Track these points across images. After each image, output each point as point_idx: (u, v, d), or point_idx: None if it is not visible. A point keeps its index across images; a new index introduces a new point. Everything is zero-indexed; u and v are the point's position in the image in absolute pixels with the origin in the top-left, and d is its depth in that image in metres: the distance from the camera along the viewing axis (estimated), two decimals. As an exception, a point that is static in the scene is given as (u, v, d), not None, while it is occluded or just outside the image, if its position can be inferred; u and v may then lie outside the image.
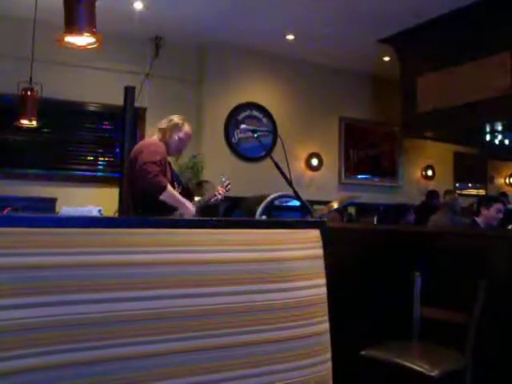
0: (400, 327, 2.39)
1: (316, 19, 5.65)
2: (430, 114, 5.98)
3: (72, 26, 2.34)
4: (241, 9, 5.42)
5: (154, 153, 3.06)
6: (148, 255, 0.85)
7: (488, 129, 6.40)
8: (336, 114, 7.42)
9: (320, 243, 1.06)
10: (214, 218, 0.99)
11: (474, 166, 8.83)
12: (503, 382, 2.30)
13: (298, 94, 7.05)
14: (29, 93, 4.36)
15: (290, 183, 2.64)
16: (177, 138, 3.28)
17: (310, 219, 2.08)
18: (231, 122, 6.57)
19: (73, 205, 2.86)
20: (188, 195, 3.39)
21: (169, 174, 3.22)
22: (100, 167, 6.19)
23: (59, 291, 0.76)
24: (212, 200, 3.38)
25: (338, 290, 1.39)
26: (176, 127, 3.28)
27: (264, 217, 3.21)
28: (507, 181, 9.56)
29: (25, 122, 4.49)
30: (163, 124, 3.30)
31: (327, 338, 1.02)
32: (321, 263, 1.05)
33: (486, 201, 4.60)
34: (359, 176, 7.67)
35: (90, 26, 2.37)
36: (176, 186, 3.26)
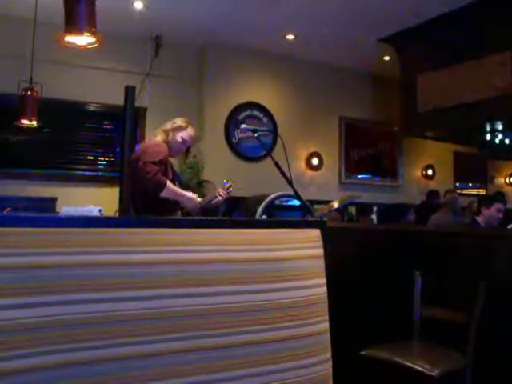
0: (400, 327, 2.39)
1: (316, 19, 5.65)
2: (430, 114, 5.98)
3: (72, 25, 2.34)
4: (241, 8, 5.42)
5: (155, 153, 3.07)
6: (148, 255, 0.85)
7: (488, 128, 6.40)
8: (336, 114, 7.42)
9: (320, 243, 1.06)
10: (214, 218, 1.00)
11: (474, 165, 8.83)
12: (503, 381, 2.30)
13: (298, 94, 7.05)
14: (29, 93, 4.36)
15: (290, 183, 2.64)
16: (180, 139, 3.30)
17: (310, 219, 2.08)
18: (231, 121, 6.57)
19: (73, 205, 2.86)
20: None
21: (170, 174, 3.23)
22: (100, 167, 6.19)
23: (59, 291, 0.76)
24: (213, 202, 3.38)
25: (338, 290, 1.39)
26: (179, 128, 3.31)
27: (264, 216, 3.21)
28: (507, 180, 9.56)
29: (25, 121, 4.49)
30: (167, 125, 3.33)
31: (327, 337, 1.02)
32: (321, 263, 1.05)
33: (486, 200, 4.61)
34: (359, 176, 7.67)
35: (90, 25, 2.37)
36: (177, 186, 3.27)
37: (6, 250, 0.75)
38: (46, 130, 5.70)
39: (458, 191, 7.89)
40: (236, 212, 5.18)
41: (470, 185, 9.02)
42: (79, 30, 2.37)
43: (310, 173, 7.19)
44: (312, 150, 7.19)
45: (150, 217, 1.28)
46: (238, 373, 0.88)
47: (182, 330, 0.85)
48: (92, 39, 2.47)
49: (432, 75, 5.97)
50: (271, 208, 3.29)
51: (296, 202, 3.48)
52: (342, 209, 5.74)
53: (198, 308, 0.87)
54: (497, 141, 6.73)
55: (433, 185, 7.95)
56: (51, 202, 5.06)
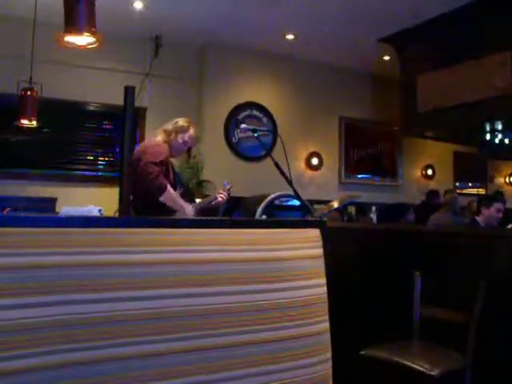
0: (400, 327, 2.39)
1: (316, 19, 5.65)
2: (430, 114, 5.98)
3: (72, 25, 2.34)
4: (241, 8, 5.42)
5: (157, 153, 3.06)
6: (148, 255, 0.85)
7: (488, 128, 6.40)
8: (336, 114, 7.43)
9: (320, 243, 1.06)
10: (214, 218, 1.00)
11: (474, 165, 8.83)
12: (503, 381, 2.30)
13: (298, 94, 7.05)
14: (29, 93, 4.36)
15: (290, 183, 2.64)
16: (181, 140, 3.28)
17: (310, 219, 2.08)
18: (231, 121, 6.57)
19: (73, 205, 2.86)
20: (189, 195, 3.39)
21: (171, 175, 3.22)
22: (100, 167, 6.19)
23: (59, 291, 0.77)
24: (213, 203, 3.37)
25: (337, 290, 1.39)
26: (181, 129, 3.28)
27: (264, 216, 3.21)
28: (507, 180, 9.56)
29: (25, 121, 4.49)
30: (169, 126, 3.31)
31: (327, 337, 1.02)
32: (321, 263, 1.05)
33: (486, 200, 4.61)
34: (359, 175, 7.67)
35: (90, 25, 2.37)
36: (178, 187, 3.26)
37: (5, 250, 0.75)
38: (45, 130, 5.70)
39: (458, 191, 7.89)
40: (236, 212, 5.18)
41: (470, 185, 9.02)
42: (79, 30, 2.37)
43: (310, 173, 7.19)
44: (312, 149, 7.19)
45: (150, 217, 1.28)
46: (238, 373, 0.88)
47: (182, 330, 0.85)
48: (92, 39, 2.47)
49: (432, 75, 5.97)
50: (271, 208, 3.29)
51: (296, 202, 3.48)
52: (342, 209, 5.74)
53: (198, 308, 0.87)
54: (496, 141, 6.73)
55: (432, 185, 7.95)
56: (51, 202, 5.06)
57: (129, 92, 1.49)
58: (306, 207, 2.77)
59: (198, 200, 3.46)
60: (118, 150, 6.08)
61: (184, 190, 3.38)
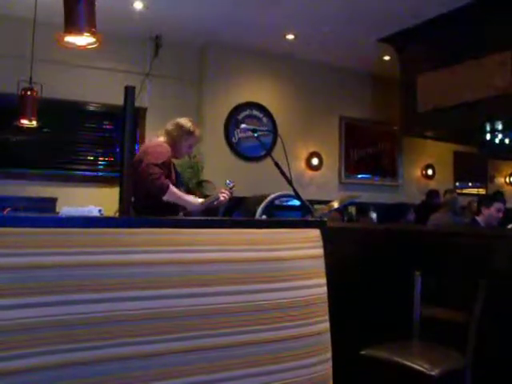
0: (400, 327, 2.39)
1: (316, 19, 5.65)
2: (430, 113, 5.98)
3: (72, 25, 2.34)
4: (241, 8, 5.42)
5: (158, 155, 3.04)
6: (148, 255, 0.85)
7: (488, 128, 6.40)
8: (336, 114, 7.42)
9: (320, 243, 1.06)
10: (214, 218, 1.00)
11: (474, 165, 8.83)
12: (503, 381, 2.30)
13: (298, 94, 7.05)
14: (29, 93, 4.36)
15: (290, 183, 2.64)
16: (187, 144, 3.26)
17: (310, 219, 2.08)
18: (231, 121, 6.57)
19: (73, 205, 2.86)
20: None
21: (173, 176, 3.20)
22: (100, 167, 6.19)
23: (59, 291, 0.77)
24: (215, 202, 3.35)
25: (338, 290, 1.39)
26: (187, 133, 3.22)
27: (264, 216, 3.20)
28: (507, 180, 9.56)
29: (25, 121, 4.49)
30: (171, 126, 3.25)
31: (327, 337, 1.02)
32: (321, 263, 1.05)
33: (486, 200, 4.61)
34: (359, 175, 7.67)
35: (90, 25, 2.37)
36: (179, 187, 3.25)
37: (5, 250, 0.75)
38: (45, 129, 5.70)
39: (458, 191, 7.89)
40: (236, 212, 5.18)
41: (470, 184, 9.02)
42: (79, 30, 2.37)
43: (310, 173, 7.18)
44: (312, 149, 7.19)
45: (150, 217, 1.28)
46: (239, 372, 0.88)
47: (183, 330, 0.85)
48: (92, 39, 2.47)
49: (432, 75, 5.97)
50: (271, 208, 3.29)
51: (296, 202, 3.48)
52: (342, 209, 5.74)
53: (198, 308, 0.87)
54: (497, 140, 6.73)
55: (433, 184, 7.95)
56: (51, 202, 5.06)
57: (129, 92, 1.49)
58: (306, 207, 2.77)
59: (200, 200, 3.44)
60: (118, 150, 6.08)
61: (185, 190, 3.37)
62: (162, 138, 3.23)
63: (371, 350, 2.14)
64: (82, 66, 5.74)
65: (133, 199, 3.13)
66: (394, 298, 2.59)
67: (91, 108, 6.13)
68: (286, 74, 6.97)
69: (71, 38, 2.46)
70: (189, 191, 3.86)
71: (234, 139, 6.59)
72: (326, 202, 3.74)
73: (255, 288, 0.93)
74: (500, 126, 6.30)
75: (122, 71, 5.90)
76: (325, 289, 1.03)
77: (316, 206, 4.39)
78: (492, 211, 4.39)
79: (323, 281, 1.03)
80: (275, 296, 0.95)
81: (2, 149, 5.55)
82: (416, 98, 6.12)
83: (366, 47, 6.42)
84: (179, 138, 3.22)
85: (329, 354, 1.02)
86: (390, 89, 7.08)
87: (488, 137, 6.60)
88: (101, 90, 5.87)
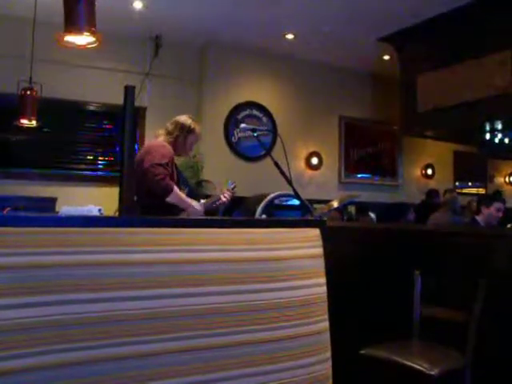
0: (400, 326, 2.39)
1: (315, 18, 5.65)
2: (429, 113, 5.98)
3: (72, 25, 2.34)
4: (241, 8, 5.42)
5: (162, 155, 3.03)
6: (148, 254, 0.85)
7: (488, 128, 6.40)
8: (336, 113, 7.42)
9: (320, 242, 1.06)
10: (214, 218, 1.00)
11: (473, 164, 8.83)
12: (503, 381, 2.30)
13: (297, 93, 7.05)
14: (29, 92, 4.36)
15: (289, 182, 2.64)
16: (189, 142, 3.25)
17: (309, 218, 2.08)
18: (231, 121, 6.57)
19: (73, 204, 2.86)
20: (194, 196, 3.38)
21: (175, 176, 3.20)
22: (100, 167, 6.19)
23: (58, 291, 0.77)
24: (217, 203, 3.34)
25: (337, 290, 1.39)
26: (187, 131, 3.21)
27: (264, 216, 3.20)
28: (507, 179, 9.56)
29: (25, 121, 4.49)
30: (171, 125, 3.24)
31: (327, 337, 1.02)
32: (321, 262, 1.05)
33: (486, 200, 4.61)
34: (359, 175, 7.67)
35: (90, 25, 2.37)
36: (182, 187, 3.25)
37: (5, 250, 0.75)
38: (45, 129, 5.70)
39: (458, 190, 7.89)
40: (236, 212, 5.18)
41: (470, 184, 9.02)
42: (79, 30, 2.37)
43: (310, 172, 7.18)
44: (312, 149, 7.19)
45: (150, 216, 1.28)
46: (235, 372, 0.88)
47: (179, 330, 0.85)
48: (92, 39, 2.47)
49: (432, 74, 5.97)
50: (271, 207, 3.29)
51: (295, 202, 3.48)
52: (342, 208, 5.74)
53: (198, 308, 0.87)
54: (496, 140, 6.73)
55: (432, 184, 7.95)
56: (51, 202, 5.05)
57: (129, 92, 1.49)
58: (305, 207, 2.77)
59: (202, 201, 3.44)
60: (118, 149, 6.08)
61: (189, 190, 3.36)
62: (162, 138, 3.23)
63: (371, 349, 2.14)
64: (82, 65, 5.74)
65: (135, 198, 3.13)
66: (394, 297, 2.59)
67: (91, 108, 6.13)
68: (285, 73, 6.96)
69: (71, 38, 2.46)
70: (193, 191, 3.85)
71: (233, 139, 6.59)
72: (326, 202, 3.74)
73: (255, 288, 0.93)
74: (500, 126, 6.30)
75: (122, 71, 5.90)
76: (324, 288, 1.03)
77: (316, 206, 4.39)
78: (492, 211, 4.39)
79: (323, 280, 1.03)
80: (274, 296, 0.95)
81: (2, 149, 5.55)
82: (416, 98, 6.12)
83: (365, 47, 6.41)
84: (180, 137, 3.21)
85: (328, 354, 1.02)
86: (390, 88, 7.08)
87: (488, 136, 6.60)
88: (101, 89, 5.87)
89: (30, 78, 4.33)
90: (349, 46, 6.42)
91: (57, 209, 4.96)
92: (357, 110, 7.53)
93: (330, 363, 1.02)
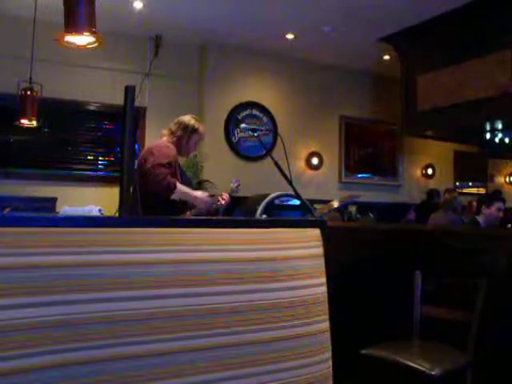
0: (401, 326, 2.39)
1: (316, 18, 5.65)
2: (430, 113, 5.98)
3: (72, 25, 2.34)
4: (241, 8, 5.42)
5: (164, 155, 3.02)
6: (148, 254, 0.85)
7: (488, 127, 6.40)
8: (336, 113, 7.42)
9: (320, 242, 1.06)
10: (214, 218, 1.00)
11: (474, 164, 8.83)
12: (504, 380, 2.30)
13: (298, 93, 7.05)
14: (29, 92, 4.36)
15: (290, 182, 2.64)
16: (193, 142, 3.25)
17: (310, 218, 2.08)
18: (231, 121, 6.57)
19: (73, 204, 2.86)
20: None
21: (178, 176, 3.19)
22: (100, 167, 6.19)
23: (58, 291, 0.76)
24: (214, 206, 3.33)
25: (338, 289, 1.39)
26: (191, 131, 3.20)
27: (264, 216, 3.20)
28: (507, 179, 9.56)
29: (25, 121, 4.49)
30: (174, 126, 3.23)
31: (327, 336, 1.02)
32: (321, 262, 1.05)
33: (486, 199, 4.61)
34: (359, 175, 7.67)
35: (90, 25, 2.37)
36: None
37: (5, 250, 0.75)
38: (45, 129, 5.70)
39: (458, 190, 7.88)
40: (236, 211, 5.18)
41: (470, 184, 9.02)
42: (79, 30, 2.37)
43: (310, 172, 7.18)
44: (312, 149, 7.19)
45: (150, 216, 1.28)
46: (235, 372, 0.88)
47: (182, 330, 0.85)
48: (92, 39, 2.47)
49: (432, 74, 5.97)
50: (271, 207, 3.29)
51: (296, 202, 3.48)
52: (342, 208, 5.74)
53: (198, 308, 0.87)
54: (497, 140, 6.73)
55: (433, 184, 7.94)
56: (51, 202, 5.06)
57: (129, 91, 1.48)
58: (306, 207, 2.77)
59: (207, 194, 3.43)
60: (118, 149, 6.08)
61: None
62: (165, 138, 3.22)
63: (372, 349, 2.14)
64: (82, 65, 5.74)
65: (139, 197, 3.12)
66: (395, 297, 2.59)
67: (91, 108, 6.12)
68: (286, 73, 6.96)
69: (71, 38, 2.46)
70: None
71: (234, 139, 6.59)
72: (326, 202, 3.74)
73: (255, 287, 0.93)
74: (500, 126, 6.30)
75: (122, 71, 5.90)
76: (325, 288, 1.03)
77: (316, 206, 4.38)
78: (492, 211, 4.38)
79: (323, 280, 1.03)
80: (275, 295, 0.95)
81: (2, 149, 5.55)
82: (416, 98, 6.12)
83: (366, 47, 6.41)
84: (184, 137, 3.21)
85: (329, 353, 1.02)
86: (390, 88, 7.08)
87: (488, 136, 6.60)
88: (101, 89, 5.87)
89: (30, 78, 4.33)
90: (349, 45, 6.42)
91: (57, 209, 4.96)
92: (357, 109, 7.53)
93: (330, 363, 1.02)
